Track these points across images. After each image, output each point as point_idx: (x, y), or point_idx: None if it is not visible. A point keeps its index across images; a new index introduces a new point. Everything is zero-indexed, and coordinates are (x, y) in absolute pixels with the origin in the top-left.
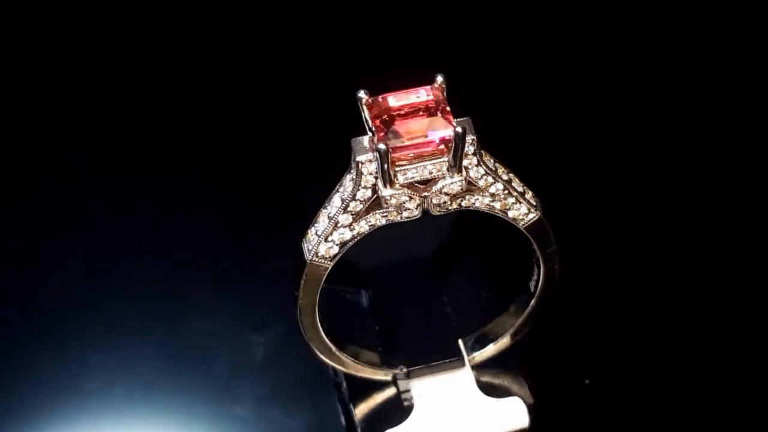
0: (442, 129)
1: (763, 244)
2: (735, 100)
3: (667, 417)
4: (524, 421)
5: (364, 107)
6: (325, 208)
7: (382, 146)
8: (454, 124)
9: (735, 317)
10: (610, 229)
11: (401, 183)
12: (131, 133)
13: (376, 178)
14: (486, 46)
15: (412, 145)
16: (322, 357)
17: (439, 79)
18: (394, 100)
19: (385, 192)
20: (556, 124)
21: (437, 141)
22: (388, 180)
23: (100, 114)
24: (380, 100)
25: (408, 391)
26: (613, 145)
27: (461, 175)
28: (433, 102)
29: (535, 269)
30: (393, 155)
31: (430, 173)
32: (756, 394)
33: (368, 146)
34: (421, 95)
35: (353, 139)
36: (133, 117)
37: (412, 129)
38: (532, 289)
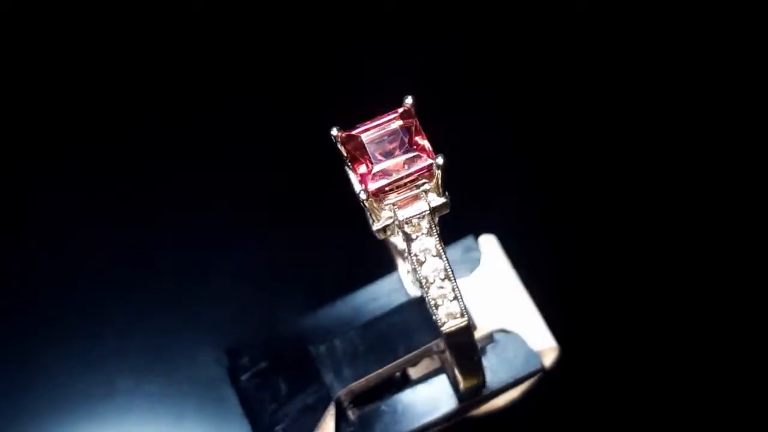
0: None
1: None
2: (735, 100)
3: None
4: (498, 250)
5: (371, 204)
6: (431, 285)
7: (440, 160)
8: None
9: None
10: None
11: None
12: None
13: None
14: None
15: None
16: None
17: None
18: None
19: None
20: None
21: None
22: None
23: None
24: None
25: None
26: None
27: None
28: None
29: None
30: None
31: None
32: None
33: (412, 203)
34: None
35: (381, 224)
36: None
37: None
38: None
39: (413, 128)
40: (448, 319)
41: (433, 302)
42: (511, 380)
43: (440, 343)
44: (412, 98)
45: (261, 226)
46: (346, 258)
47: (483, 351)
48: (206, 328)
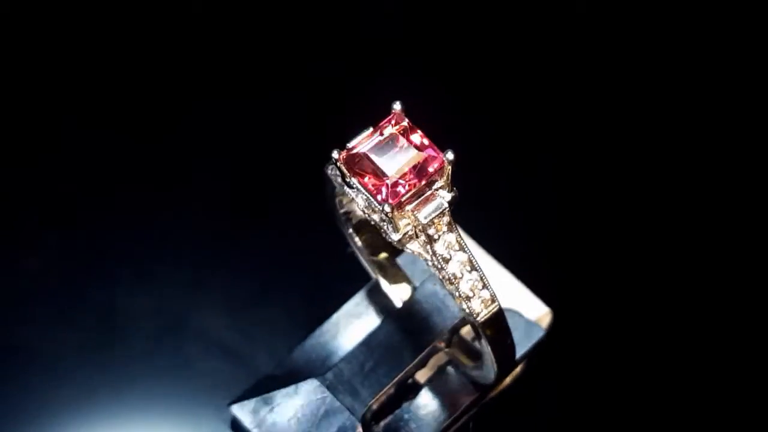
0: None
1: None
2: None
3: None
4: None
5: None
6: (459, 280)
7: (450, 156)
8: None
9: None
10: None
11: None
12: None
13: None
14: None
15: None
16: None
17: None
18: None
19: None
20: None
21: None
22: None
23: None
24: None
25: None
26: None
27: None
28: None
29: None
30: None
31: None
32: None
33: (426, 204)
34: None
35: (402, 233)
36: None
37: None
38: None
39: (408, 130)
40: (482, 308)
41: (464, 296)
42: (521, 354)
43: (442, 341)
44: (401, 103)
45: (224, 270)
46: (311, 281)
47: None
48: (196, 385)
